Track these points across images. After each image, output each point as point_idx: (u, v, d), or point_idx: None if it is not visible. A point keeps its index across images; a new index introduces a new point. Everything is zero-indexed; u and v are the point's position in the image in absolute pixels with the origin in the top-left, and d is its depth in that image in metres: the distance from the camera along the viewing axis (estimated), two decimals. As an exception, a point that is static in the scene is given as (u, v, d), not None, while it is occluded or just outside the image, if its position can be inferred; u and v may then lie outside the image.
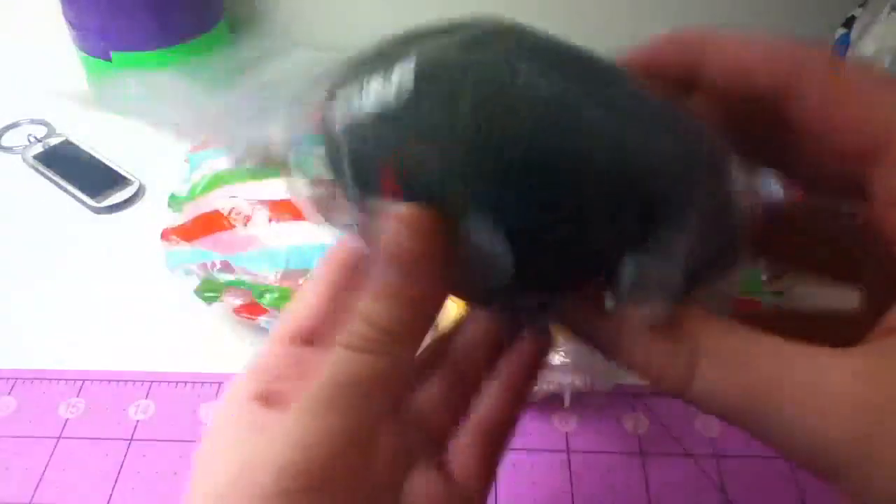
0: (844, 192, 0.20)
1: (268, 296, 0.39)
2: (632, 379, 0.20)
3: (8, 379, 0.41)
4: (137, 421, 0.39)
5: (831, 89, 0.19)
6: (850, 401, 0.17)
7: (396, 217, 0.19)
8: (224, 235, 0.41)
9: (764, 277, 0.39)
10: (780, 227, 0.23)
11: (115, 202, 0.52)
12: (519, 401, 0.25)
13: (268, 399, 0.23)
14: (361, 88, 0.20)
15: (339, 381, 0.20)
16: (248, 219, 0.41)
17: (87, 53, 0.59)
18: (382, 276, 0.20)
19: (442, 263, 0.20)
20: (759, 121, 0.20)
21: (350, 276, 0.26)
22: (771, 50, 0.19)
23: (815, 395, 0.17)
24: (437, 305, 0.22)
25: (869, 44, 0.50)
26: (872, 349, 0.17)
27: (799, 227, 0.24)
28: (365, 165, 0.20)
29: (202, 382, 0.41)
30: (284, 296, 0.39)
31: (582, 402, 0.38)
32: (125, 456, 0.38)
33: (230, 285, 0.40)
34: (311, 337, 0.25)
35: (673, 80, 0.21)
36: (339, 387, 0.20)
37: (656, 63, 0.21)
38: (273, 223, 0.41)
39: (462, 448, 0.24)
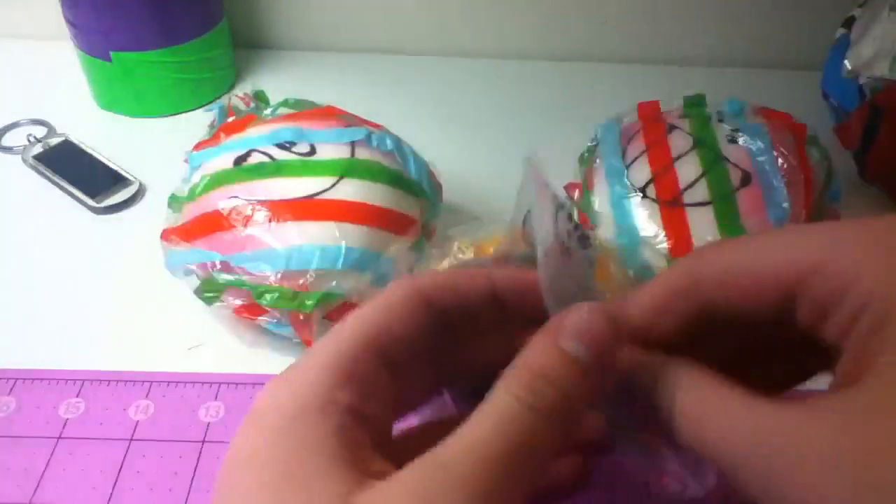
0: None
1: (268, 296, 0.39)
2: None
3: (8, 379, 0.41)
4: (137, 421, 0.39)
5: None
6: (835, 454, 0.17)
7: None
8: (224, 235, 0.41)
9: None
10: None
11: (115, 202, 0.52)
12: None
13: (369, 427, 0.22)
14: None
15: (521, 443, 0.19)
16: (248, 219, 0.41)
17: (87, 53, 0.59)
18: (580, 351, 0.21)
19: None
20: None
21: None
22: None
23: (802, 454, 0.18)
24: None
25: (869, 44, 0.50)
26: (842, 401, 0.18)
27: None
28: None
29: (202, 382, 0.41)
30: (284, 296, 0.39)
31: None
32: (125, 456, 0.38)
33: (230, 285, 0.40)
34: (388, 352, 0.23)
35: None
36: (523, 451, 0.19)
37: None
38: (273, 223, 0.41)
39: None
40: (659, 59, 0.68)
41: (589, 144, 0.50)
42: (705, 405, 0.20)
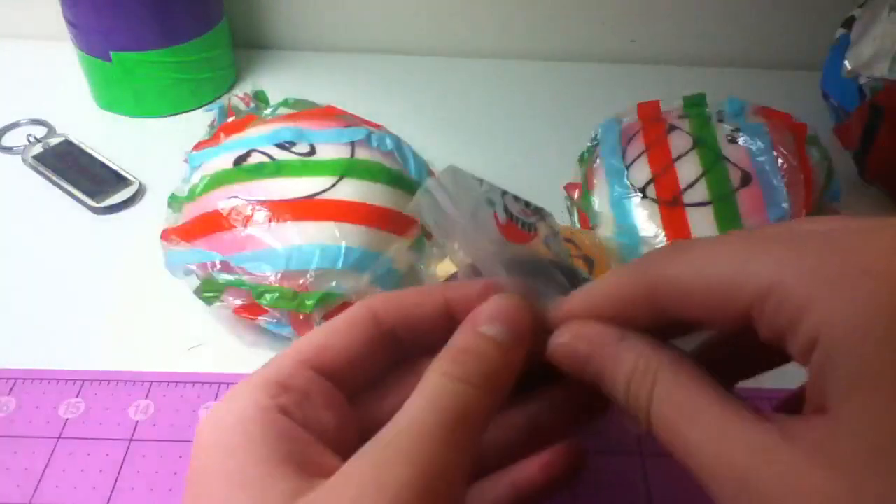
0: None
1: (268, 296, 0.39)
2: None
3: (8, 379, 0.41)
4: (137, 421, 0.39)
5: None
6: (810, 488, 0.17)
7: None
8: (224, 235, 0.41)
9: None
10: None
11: (115, 202, 0.52)
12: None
13: (305, 423, 0.23)
14: None
15: (453, 412, 0.21)
16: (248, 219, 0.41)
17: (87, 53, 0.59)
18: (496, 332, 0.23)
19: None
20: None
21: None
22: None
23: (777, 484, 0.18)
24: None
25: (869, 44, 0.50)
26: (812, 429, 0.18)
27: None
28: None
29: (202, 382, 0.41)
30: (284, 296, 0.39)
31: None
32: (125, 456, 0.38)
33: (230, 285, 0.40)
34: (329, 367, 0.25)
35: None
36: (455, 418, 0.21)
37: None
38: (273, 223, 0.41)
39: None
40: (659, 59, 0.68)
41: (589, 144, 0.50)
42: (686, 410, 0.21)
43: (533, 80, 0.66)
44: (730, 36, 0.68)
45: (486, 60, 0.68)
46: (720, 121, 0.47)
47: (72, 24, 0.58)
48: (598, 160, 0.48)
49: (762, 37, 0.68)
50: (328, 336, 0.25)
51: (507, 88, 0.66)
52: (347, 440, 0.23)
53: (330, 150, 0.44)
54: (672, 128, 0.47)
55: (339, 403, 0.24)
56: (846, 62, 0.51)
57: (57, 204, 0.53)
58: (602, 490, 0.36)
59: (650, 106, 0.50)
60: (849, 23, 0.53)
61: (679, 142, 0.46)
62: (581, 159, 0.50)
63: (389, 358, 0.26)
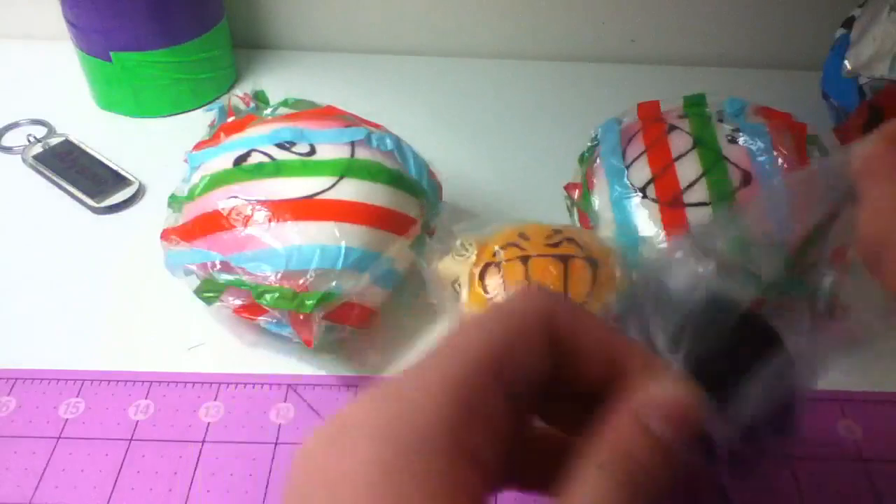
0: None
1: (268, 296, 0.39)
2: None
3: (8, 379, 0.41)
4: (137, 421, 0.39)
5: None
6: None
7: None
8: (224, 235, 0.41)
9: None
10: None
11: (115, 202, 0.52)
12: None
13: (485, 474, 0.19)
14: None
15: None
16: (248, 219, 0.41)
17: (87, 53, 0.59)
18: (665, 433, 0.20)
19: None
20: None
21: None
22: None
23: None
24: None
25: (869, 44, 0.50)
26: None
27: None
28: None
29: (202, 383, 0.41)
30: (284, 296, 0.39)
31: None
32: (125, 456, 0.38)
33: (230, 285, 0.40)
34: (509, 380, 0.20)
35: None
36: None
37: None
38: (273, 223, 0.41)
39: None
40: (659, 59, 0.68)
41: (589, 144, 0.50)
42: None
43: (533, 79, 0.66)
44: (730, 36, 0.68)
45: (486, 60, 0.68)
46: (720, 121, 0.47)
47: (72, 24, 0.58)
48: (598, 160, 0.48)
49: (762, 37, 0.68)
50: (514, 339, 0.21)
51: (508, 88, 0.66)
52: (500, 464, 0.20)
53: (330, 150, 0.44)
54: (672, 128, 0.47)
55: (511, 432, 0.20)
56: (846, 62, 0.51)
57: (57, 204, 0.53)
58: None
59: (650, 106, 0.50)
60: (849, 23, 0.53)
61: (679, 142, 0.46)
62: (581, 159, 0.50)
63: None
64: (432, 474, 0.18)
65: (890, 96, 0.48)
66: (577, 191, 0.48)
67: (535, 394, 0.21)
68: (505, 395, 0.20)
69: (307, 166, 0.43)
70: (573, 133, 0.51)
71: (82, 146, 0.56)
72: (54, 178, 0.54)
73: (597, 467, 0.19)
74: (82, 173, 0.54)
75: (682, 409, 0.21)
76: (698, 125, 0.47)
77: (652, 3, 0.66)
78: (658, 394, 0.21)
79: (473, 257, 0.41)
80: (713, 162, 0.44)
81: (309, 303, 0.39)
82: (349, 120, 0.47)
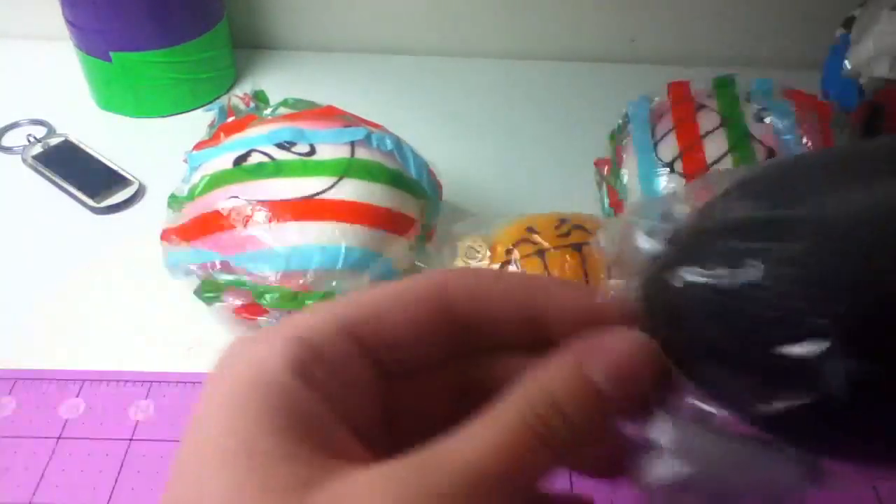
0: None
1: (268, 296, 0.39)
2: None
3: (8, 379, 0.41)
4: (137, 421, 0.39)
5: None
6: None
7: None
8: (224, 235, 0.41)
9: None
10: None
11: (115, 202, 0.52)
12: None
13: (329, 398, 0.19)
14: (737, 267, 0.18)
15: (515, 468, 0.18)
16: (248, 219, 0.41)
17: (87, 53, 0.59)
18: (600, 381, 0.18)
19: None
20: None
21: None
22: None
23: None
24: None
25: (869, 44, 0.50)
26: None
27: None
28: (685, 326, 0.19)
29: (202, 382, 0.41)
30: (285, 296, 0.39)
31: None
32: (125, 456, 0.38)
33: (230, 285, 0.40)
34: (374, 342, 0.21)
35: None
36: (514, 475, 0.18)
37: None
38: (273, 223, 0.41)
39: None
40: (659, 60, 0.68)
41: (619, 122, 0.51)
42: None
43: (533, 79, 0.66)
44: (730, 36, 0.68)
45: (487, 60, 0.68)
46: (748, 100, 0.48)
47: (72, 24, 0.58)
48: (627, 136, 0.49)
49: (762, 37, 0.68)
50: (384, 305, 0.21)
51: (508, 88, 0.66)
52: (371, 425, 0.20)
53: (330, 150, 0.44)
54: (700, 106, 0.48)
55: (371, 382, 0.21)
56: (846, 62, 0.51)
57: (57, 204, 0.53)
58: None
59: (680, 85, 0.51)
60: (849, 23, 0.53)
61: (707, 120, 0.47)
62: (611, 136, 0.51)
63: (447, 346, 0.22)
64: (271, 399, 0.18)
65: (890, 96, 0.48)
66: (606, 166, 0.49)
67: (435, 363, 0.21)
68: (373, 362, 0.20)
69: (307, 166, 0.43)
70: (573, 133, 0.52)
71: (82, 146, 0.56)
72: (54, 178, 0.54)
73: (519, 415, 0.18)
74: (82, 173, 0.54)
75: (636, 366, 0.19)
76: (726, 104, 0.48)
77: (652, 3, 0.66)
78: (612, 344, 0.19)
79: (487, 259, 0.41)
80: (740, 139, 0.45)
81: (309, 303, 0.39)
82: (349, 120, 0.47)
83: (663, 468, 0.19)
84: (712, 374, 0.18)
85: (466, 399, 0.20)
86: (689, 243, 0.19)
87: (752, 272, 0.17)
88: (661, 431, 0.19)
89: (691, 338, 0.19)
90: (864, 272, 0.16)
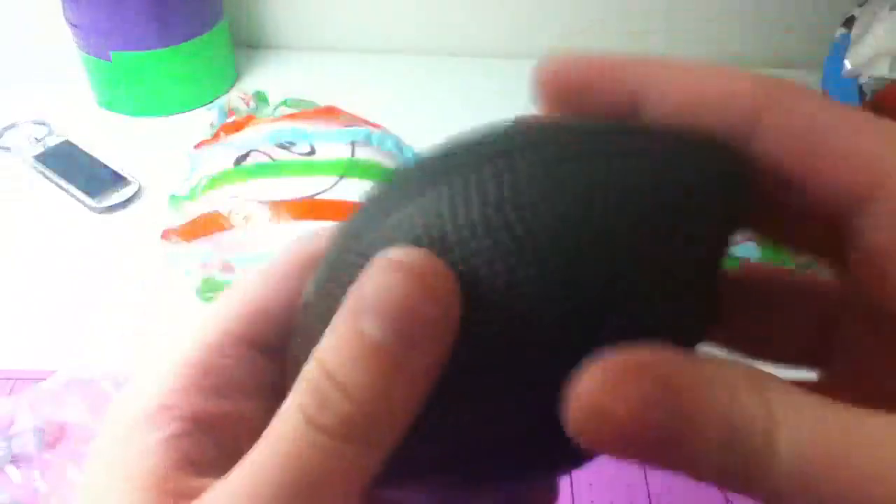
0: (817, 248, 0.16)
1: (268, 296, 0.39)
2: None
3: (8, 379, 0.41)
4: (137, 421, 0.39)
5: (804, 124, 0.15)
6: None
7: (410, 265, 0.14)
8: (224, 235, 0.41)
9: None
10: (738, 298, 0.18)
11: (115, 202, 0.52)
12: None
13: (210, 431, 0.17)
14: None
15: (297, 469, 0.14)
16: (248, 219, 0.41)
17: (87, 53, 0.59)
18: (374, 332, 0.14)
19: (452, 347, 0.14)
20: None
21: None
22: (729, 82, 0.16)
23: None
24: (422, 397, 0.15)
25: (869, 44, 0.50)
26: None
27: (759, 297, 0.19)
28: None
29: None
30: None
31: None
32: (125, 456, 0.38)
33: (230, 285, 0.40)
34: (265, 339, 0.19)
35: (604, 111, 0.17)
36: (298, 477, 0.14)
37: (582, 88, 0.18)
38: (273, 223, 0.41)
39: None
40: (659, 59, 0.68)
41: None
42: (834, 439, 0.13)
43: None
44: (730, 36, 0.68)
45: (487, 60, 0.68)
46: None
47: (72, 24, 0.58)
48: None
49: (762, 37, 0.68)
50: (264, 295, 0.19)
51: (508, 88, 0.66)
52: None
53: (330, 150, 0.44)
54: None
55: (266, 381, 0.18)
56: (846, 62, 0.51)
57: (57, 204, 0.53)
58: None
59: None
60: (849, 23, 0.53)
61: None
62: None
63: None
64: (132, 441, 0.17)
65: (890, 96, 0.48)
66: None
67: None
68: (259, 349, 0.18)
69: (307, 166, 0.43)
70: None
71: (82, 146, 0.56)
72: (54, 178, 0.54)
73: (292, 400, 0.15)
74: (82, 173, 0.54)
75: (417, 305, 0.14)
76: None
77: (651, 3, 0.66)
78: (384, 281, 0.14)
79: None
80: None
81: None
82: (349, 120, 0.47)
83: None
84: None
85: None
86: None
87: None
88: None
89: None
90: None
